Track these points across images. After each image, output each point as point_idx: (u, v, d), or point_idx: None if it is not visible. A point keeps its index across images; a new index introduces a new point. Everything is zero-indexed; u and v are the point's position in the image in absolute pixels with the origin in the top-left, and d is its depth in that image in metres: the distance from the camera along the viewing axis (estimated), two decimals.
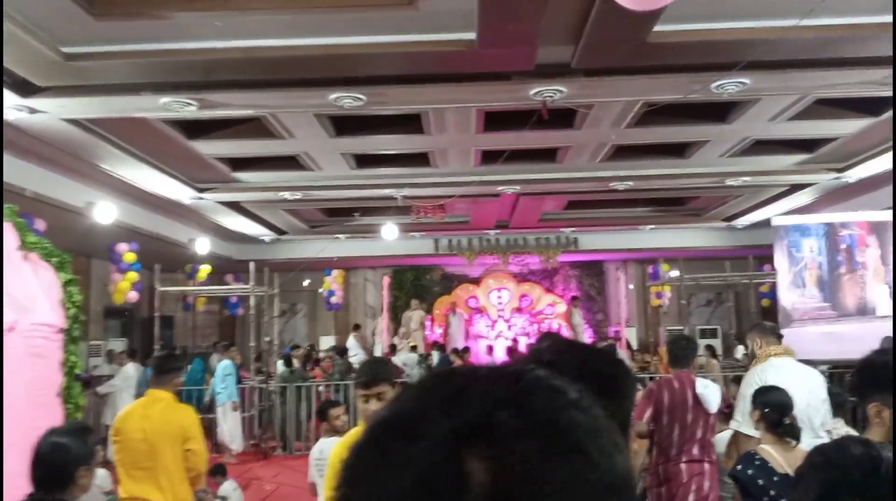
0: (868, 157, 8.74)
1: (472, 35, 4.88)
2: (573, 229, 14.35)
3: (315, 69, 5.53)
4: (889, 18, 4.86)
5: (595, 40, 4.95)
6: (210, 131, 7.56)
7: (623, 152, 8.80)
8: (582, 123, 7.39)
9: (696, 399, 4.15)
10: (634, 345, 14.76)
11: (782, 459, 2.99)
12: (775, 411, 3.17)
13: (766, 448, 3.09)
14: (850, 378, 3.91)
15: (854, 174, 9.31)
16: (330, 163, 8.80)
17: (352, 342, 15.23)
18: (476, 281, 17.23)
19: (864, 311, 9.40)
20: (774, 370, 3.93)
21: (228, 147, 8.20)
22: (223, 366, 10.10)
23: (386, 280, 15.58)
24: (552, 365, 1.10)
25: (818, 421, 3.83)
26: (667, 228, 13.81)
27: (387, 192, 9.85)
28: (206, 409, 10.08)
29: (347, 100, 5.93)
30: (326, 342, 15.52)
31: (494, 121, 7.40)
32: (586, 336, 15.39)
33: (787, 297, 9.53)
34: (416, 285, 17.01)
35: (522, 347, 14.80)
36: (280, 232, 13.55)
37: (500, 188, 10.06)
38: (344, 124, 7.46)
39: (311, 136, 7.60)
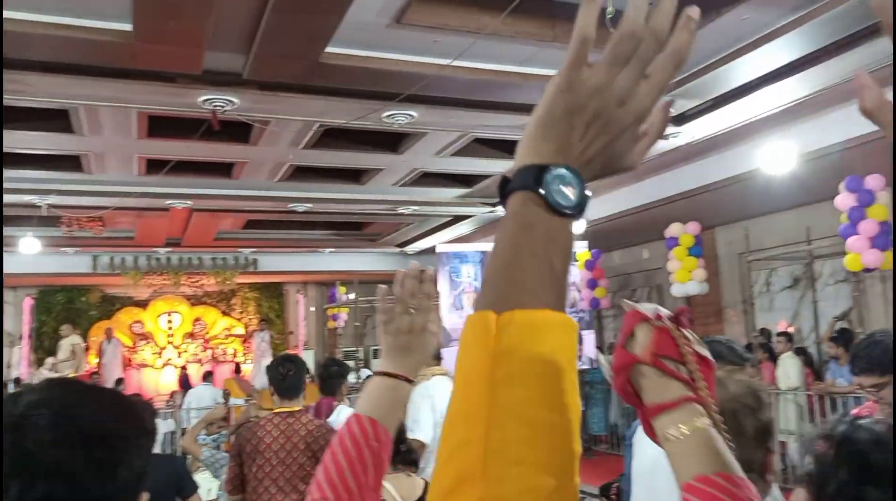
0: None
1: (129, 26, 4.39)
2: (252, 249, 13.93)
3: None
4: (534, 70, 5.55)
5: (267, 52, 4.80)
6: None
7: (302, 174, 8.76)
8: (258, 138, 7.16)
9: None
10: (312, 368, 14.74)
11: (395, 489, 2.75)
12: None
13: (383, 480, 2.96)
14: None
15: (502, 209, 10.50)
16: None
17: None
18: (143, 304, 15.72)
19: None
20: (436, 386, 4.14)
21: None
22: None
23: (28, 302, 13.46)
24: (20, 426, 0.81)
25: None
26: (345, 251, 14.15)
27: (28, 198, 8.45)
28: None
29: None
30: None
31: (161, 126, 6.80)
32: (265, 362, 14.96)
33: (449, 318, 10.32)
34: (68, 308, 14.91)
35: (195, 375, 13.80)
36: None
37: (168, 202, 9.29)
38: None
39: None
